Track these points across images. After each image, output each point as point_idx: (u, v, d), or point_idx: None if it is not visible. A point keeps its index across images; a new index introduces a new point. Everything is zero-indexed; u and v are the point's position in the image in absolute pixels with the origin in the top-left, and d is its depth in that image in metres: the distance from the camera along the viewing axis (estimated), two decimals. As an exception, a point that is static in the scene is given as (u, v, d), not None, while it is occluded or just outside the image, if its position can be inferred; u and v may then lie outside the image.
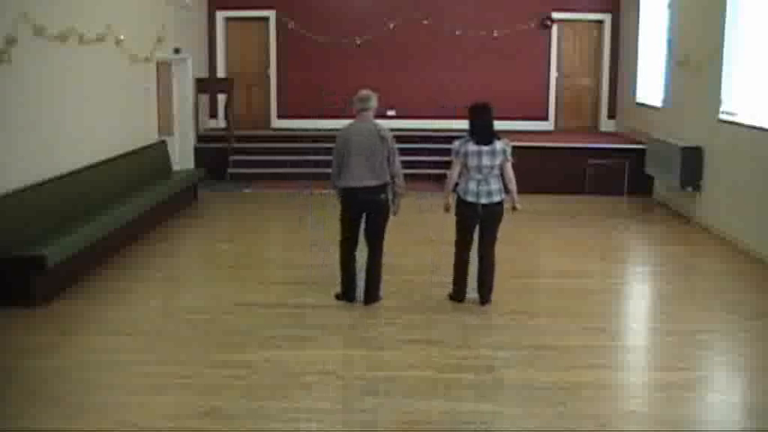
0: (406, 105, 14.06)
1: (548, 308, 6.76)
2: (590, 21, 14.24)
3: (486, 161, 6.37)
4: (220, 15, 14.27)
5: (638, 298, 7.61)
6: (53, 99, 8.00)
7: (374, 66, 14.05)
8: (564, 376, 5.23)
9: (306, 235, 9.18)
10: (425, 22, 14.05)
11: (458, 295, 6.70)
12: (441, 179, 6.69)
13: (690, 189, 10.00)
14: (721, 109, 9.33)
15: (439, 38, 14.08)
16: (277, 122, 14.42)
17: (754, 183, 8.43)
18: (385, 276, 6.83)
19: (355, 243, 6.66)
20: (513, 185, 6.54)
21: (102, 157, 9.10)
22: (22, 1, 7.30)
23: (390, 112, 13.93)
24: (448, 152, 6.62)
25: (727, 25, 9.17)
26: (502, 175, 6.51)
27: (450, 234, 6.75)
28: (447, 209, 6.65)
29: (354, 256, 6.69)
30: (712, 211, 9.57)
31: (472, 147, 6.39)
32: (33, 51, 7.48)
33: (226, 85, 13.70)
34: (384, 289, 6.77)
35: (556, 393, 4.96)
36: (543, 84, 14.30)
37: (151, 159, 10.58)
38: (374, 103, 6.56)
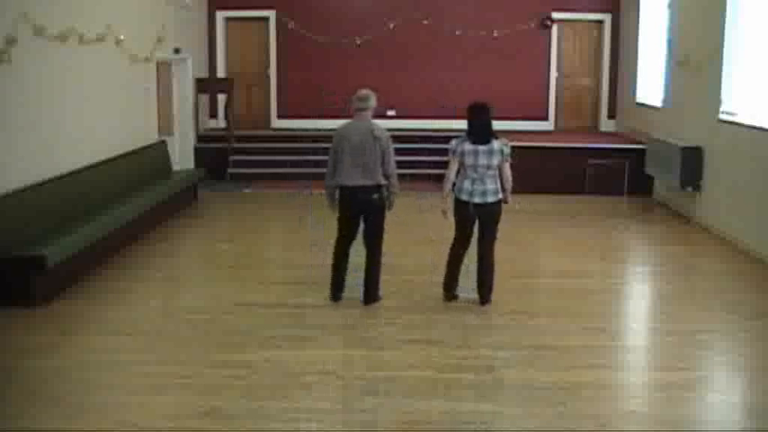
0: (406, 105, 14.07)
1: (548, 308, 6.76)
2: (590, 21, 14.24)
3: (482, 161, 6.37)
4: (220, 15, 14.27)
5: (638, 298, 7.62)
6: (53, 99, 8.00)
7: (374, 66, 14.05)
8: (564, 376, 5.23)
9: (306, 235, 9.18)
10: (425, 22, 14.05)
11: (445, 288, 6.69)
12: (441, 179, 6.68)
13: (690, 189, 10.00)
14: (721, 109, 9.33)
15: (439, 38, 14.08)
16: (277, 122, 14.42)
17: (754, 183, 8.43)
18: (385, 276, 6.83)
19: (348, 243, 6.66)
20: (508, 184, 6.54)
21: (102, 157, 9.10)
22: (22, 1, 7.30)
23: (390, 112, 13.94)
24: (448, 152, 6.62)
25: (727, 25, 9.17)
26: (500, 175, 6.51)
27: (451, 234, 6.74)
28: (445, 214, 6.64)
29: (346, 257, 6.70)
30: (712, 211, 9.57)
31: (469, 146, 6.39)
32: (33, 51, 7.48)
33: (226, 85, 13.70)
34: (384, 289, 6.77)
35: (556, 393, 4.96)
36: (543, 84, 14.30)
37: (151, 159, 10.58)
38: (373, 102, 6.57)
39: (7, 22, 7.03)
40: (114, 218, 8.12)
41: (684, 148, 9.95)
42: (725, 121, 9.23)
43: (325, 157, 6.76)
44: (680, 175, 9.97)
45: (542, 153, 12.11)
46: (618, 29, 14.01)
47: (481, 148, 6.38)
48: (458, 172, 6.54)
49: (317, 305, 6.65)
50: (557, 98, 14.39)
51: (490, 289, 6.64)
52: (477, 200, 6.43)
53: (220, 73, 14.33)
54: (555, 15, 14.09)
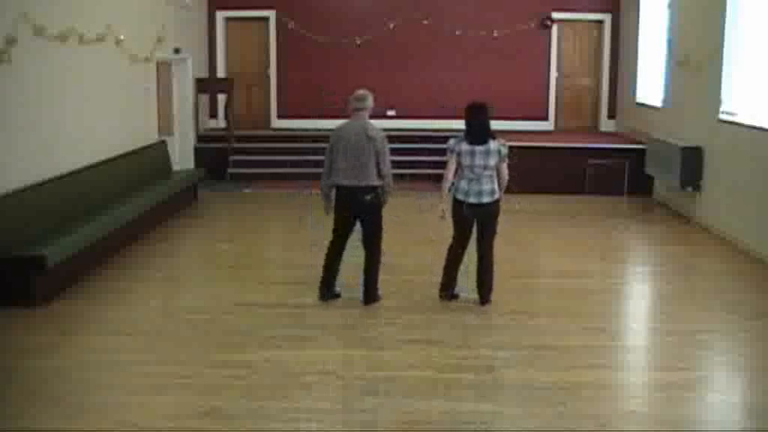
0: (406, 105, 14.08)
1: (548, 308, 6.76)
2: (590, 21, 14.24)
3: (478, 161, 6.37)
4: (220, 15, 14.27)
5: (638, 298, 7.62)
6: (53, 99, 8.00)
7: (374, 66, 14.05)
8: (564, 376, 5.23)
9: (306, 235, 9.18)
10: (425, 22, 14.05)
11: (443, 288, 6.70)
12: (441, 179, 6.68)
13: (690, 189, 10.00)
14: (721, 109, 9.33)
15: (439, 38, 14.08)
16: (277, 122, 14.42)
17: (754, 183, 8.43)
18: (385, 276, 6.83)
19: (342, 243, 6.67)
20: (504, 184, 6.55)
21: (102, 157, 9.10)
22: (22, 1, 7.30)
23: (390, 112, 13.95)
24: (446, 152, 6.60)
25: (727, 25, 9.17)
26: (497, 175, 6.51)
27: (451, 233, 6.74)
28: (442, 216, 6.63)
29: (339, 257, 6.70)
30: (712, 211, 9.57)
31: (466, 146, 6.39)
32: (33, 51, 7.48)
33: (226, 85, 13.70)
34: (384, 289, 6.77)
35: (556, 393, 4.96)
36: (543, 84, 14.30)
37: (151, 159, 10.58)
38: (370, 102, 6.58)
39: (7, 22, 7.03)
40: (114, 218, 8.12)
41: (684, 148, 9.95)
42: (725, 121, 9.23)
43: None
44: (680, 175, 9.97)
45: (542, 153, 12.11)
46: (618, 29, 14.00)
47: (478, 148, 6.38)
48: (456, 171, 6.54)
49: (316, 305, 6.65)
50: (557, 98, 14.39)
51: (490, 289, 6.64)
52: (472, 200, 6.43)
53: (220, 73, 14.33)
54: (555, 15, 14.09)
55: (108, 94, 9.46)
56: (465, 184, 6.44)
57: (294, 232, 9.72)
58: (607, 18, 14.14)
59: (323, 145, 6.66)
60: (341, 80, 13.54)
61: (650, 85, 12.27)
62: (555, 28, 14.15)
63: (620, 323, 6.68)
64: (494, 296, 6.66)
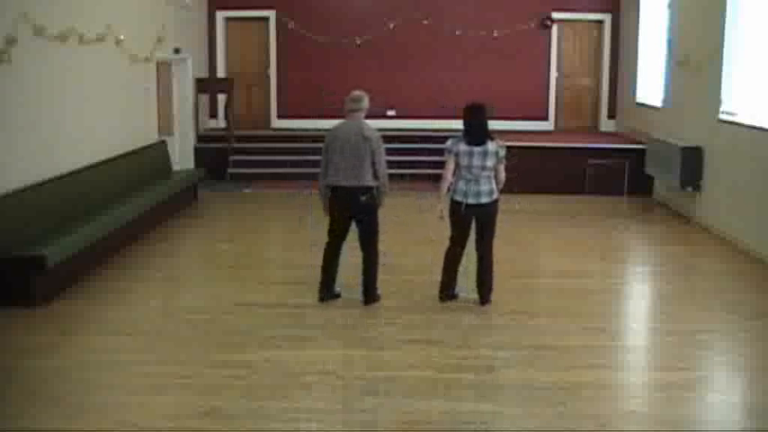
0: (406, 105, 14.08)
1: (548, 308, 6.76)
2: (590, 21, 14.24)
3: (476, 161, 6.37)
4: (220, 15, 14.27)
5: (638, 298, 7.62)
6: (53, 99, 8.00)
7: (374, 66, 14.06)
8: (564, 376, 5.23)
9: (306, 235, 9.17)
10: (425, 22, 14.05)
11: (442, 288, 6.70)
12: (440, 179, 6.67)
13: (690, 189, 10.00)
14: (721, 109, 9.33)
15: (439, 38, 14.08)
16: (277, 122, 14.42)
17: (754, 183, 8.43)
18: (385, 276, 6.83)
19: (338, 244, 6.67)
20: (500, 186, 6.55)
21: (102, 157, 9.10)
22: (22, 1, 7.30)
23: (390, 112, 13.96)
24: (444, 152, 6.60)
25: (727, 25, 9.17)
26: (495, 176, 6.51)
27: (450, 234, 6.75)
28: (441, 216, 6.63)
29: (336, 258, 6.70)
30: (712, 211, 9.57)
31: (464, 146, 6.39)
32: (33, 51, 7.48)
33: (226, 85, 13.70)
34: (384, 289, 6.77)
35: (556, 393, 4.96)
36: (543, 84, 14.30)
37: (151, 159, 10.58)
38: (365, 103, 6.59)
39: (7, 22, 7.03)
40: (114, 218, 8.12)
41: (684, 148, 9.95)
42: (725, 121, 9.23)
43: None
44: (680, 175, 9.97)
45: (542, 153, 12.11)
46: (618, 29, 14.00)
47: (476, 149, 6.38)
48: (453, 172, 6.54)
49: (316, 305, 6.65)
50: (557, 98, 14.39)
51: (490, 289, 6.64)
52: (470, 200, 6.44)
53: (220, 73, 14.33)
54: (555, 15, 14.09)
55: (108, 94, 9.46)
56: (463, 185, 6.44)
57: (294, 232, 9.72)
58: (607, 18, 14.15)
59: (323, 145, 6.66)
60: (341, 80, 13.53)
61: (650, 85, 12.27)
62: (555, 28, 14.15)
63: (620, 323, 6.68)
64: (494, 296, 6.66)
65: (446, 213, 6.60)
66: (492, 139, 6.45)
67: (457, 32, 14.04)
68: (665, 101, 11.36)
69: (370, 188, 6.50)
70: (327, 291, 6.72)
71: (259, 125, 14.31)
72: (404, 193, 11.40)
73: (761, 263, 8.06)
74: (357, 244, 6.69)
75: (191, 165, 12.68)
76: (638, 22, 12.76)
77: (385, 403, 4.81)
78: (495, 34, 14.05)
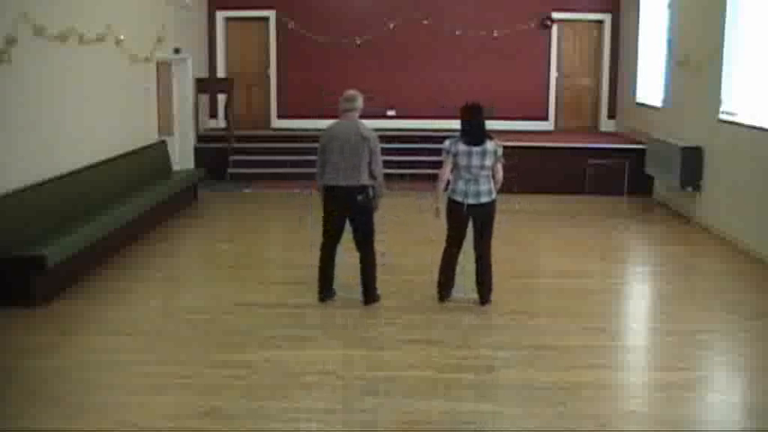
0: (406, 105, 14.08)
1: (548, 308, 6.76)
2: (590, 21, 14.24)
3: (475, 161, 6.37)
4: (220, 15, 14.27)
5: (638, 298, 7.62)
6: (53, 99, 8.00)
7: (374, 66, 14.06)
8: (564, 376, 5.23)
9: (306, 235, 9.15)
10: (425, 22, 14.05)
11: (440, 289, 6.70)
12: (437, 179, 6.67)
13: (690, 189, 10.00)
14: (721, 109, 9.33)
15: (439, 38, 14.08)
16: (277, 122, 14.42)
17: (754, 183, 8.43)
18: (385, 276, 6.83)
19: (334, 244, 6.67)
20: (498, 184, 6.56)
21: (102, 157, 9.10)
22: (22, 1, 7.30)
23: (390, 112, 13.96)
24: (441, 152, 6.59)
25: (727, 25, 9.17)
26: (492, 176, 6.51)
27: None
28: (437, 215, 6.64)
29: (333, 258, 6.70)
30: (712, 211, 9.57)
31: (462, 146, 6.39)
32: (33, 51, 7.48)
33: (226, 85, 13.70)
34: (384, 289, 6.77)
35: (556, 393, 4.96)
36: (543, 84, 14.29)
37: (151, 159, 10.58)
38: (360, 103, 6.59)
39: (7, 22, 7.03)
40: (114, 218, 8.12)
41: (684, 148, 9.95)
42: (725, 121, 9.23)
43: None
44: (680, 175, 9.97)
45: (542, 153, 12.10)
46: (618, 29, 14.00)
47: (475, 149, 6.38)
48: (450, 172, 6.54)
49: (316, 305, 6.65)
50: (557, 98, 14.38)
51: (490, 289, 6.65)
52: (471, 200, 6.44)
53: (220, 73, 14.33)
54: (555, 15, 14.09)
55: (108, 94, 9.46)
56: (462, 185, 6.44)
57: (294, 232, 9.72)
58: (607, 18, 14.14)
59: (318, 145, 6.66)
60: (341, 80, 13.47)
61: (650, 85, 12.26)
62: (555, 28, 14.15)
63: (620, 323, 6.68)
64: (494, 296, 6.66)
65: (443, 213, 6.60)
66: (490, 138, 6.46)
67: (457, 32, 14.04)
68: (665, 101, 11.36)
69: (365, 187, 6.51)
70: (326, 290, 6.72)
71: (259, 125, 14.31)
72: (404, 193, 11.40)
73: (761, 263, 8.06)
74: (353, 244, 6.68)
75: (191, 165, 12.68)
76: (638, 22, 12.75)
77: (385, 403, 4.81)
78: (495, 34, 14.05)
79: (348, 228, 6.64)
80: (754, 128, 8.48)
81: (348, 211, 6.55)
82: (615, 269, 8.22)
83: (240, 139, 13.40)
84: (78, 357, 5.55)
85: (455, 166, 6.45)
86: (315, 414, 4.68)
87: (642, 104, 12.58)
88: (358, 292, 6.69)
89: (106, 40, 9.19)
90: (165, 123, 11.94)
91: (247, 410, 4.71)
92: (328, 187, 6.54)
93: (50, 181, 7.68)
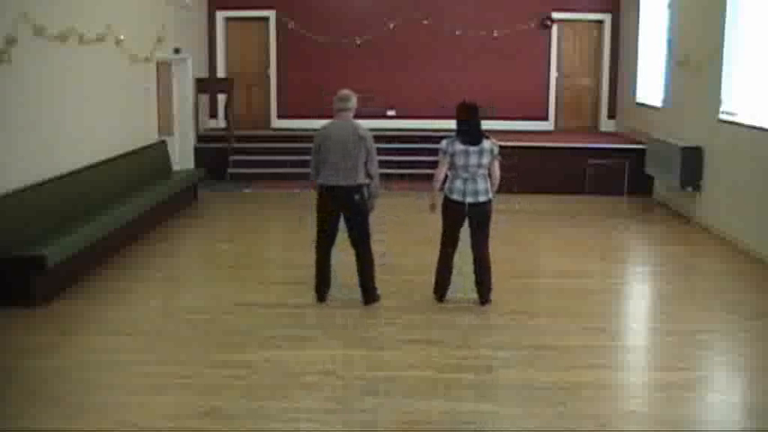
0: (406, 105, 14.08)
1: (548, 308, 6.77)
2: (590, 21, 14.24)
3: (473, 160, 6.38)
4: (220, 15, 14.27)
5: (638, 298, 7.62)
6: (53, 99, 8.00)
7: (374, 66, 14.06)
8: (564, 376, 5.23)
9: (306, 235, 9.12)
10: (425, 22, 14.05)
11: (437, 290, 6.70)
12: (432, 179, 6.68)
13: (690, 189, 10.00)
14: (721, 109, 9.33)
15: (439, 38, 14.08)
16: (277, 122, 14.41)
17: (754, 183, 8.43)
18: (385, 276, 6.83)
19: (329, 244, 6.68)
20: (496, 183, 6.57)
21: (102, 157, 9.10)
22: (22, 1, 7.30)
23: (390, 112, 13.95)
24: (438, 152, 6.59)
25: (727, 25, 9.17)
26: (489, 175, 6.52)
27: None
28: (433, 208, 6.66)
29: (329, 258, 6.71)
30: (712, 211, 9.57)
31: (460, 146, 6.40)
32: (33, 51, 7.48)
33: (226, 85, 13.70)
34: (384, 289, 6.77)
35: (556, 393, 4.96)
36: (543, 84, 14.29)
37: (151, 159, 10.58)
38: (354, 103, 6.59)
39: (7, 22, 7.03)
40: (114, 218, 8.12)
41: (684, 148, 9.95)
42: (725, 121, 9.23)
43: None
44: (680, 175, 9.97)
45: (542, 153, 12.10)
46: (618, 29, 14.00)
47: (472, 148, 6.38)
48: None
49: (316, 305, 6.65)
50: (557, 98, 14.38)
51: (489, 289, 6.64)
52: (469, 200, 6.44)
53: (220, 73, 14.33)
54: (555, 15, 14.09)
55: (108, 94, 9.46)
56: (461, 184, 6.45)
57: (294, 232, 9.71)
58: (607, 18, 14.14)
59: (313, 145, 6.67)
60: (341, 80, 13.40)
61: (650, 85, 12.26)
62: (555, 28, 14.14)
63: (620, 323, 6.68)
64: (494, 296, 6.66)
65: (439, 207, 6.60)
66: (487, 137, 6.46)
67: (457, 32, 14.04)
68: (665, 101, 11.36)
69: (362, 186, 6.51)
70: (325, 290, 6.72)
71: (259, 125, 14.31)
72: (403, 193, 11.40)
73: (761, 263, 8.06)
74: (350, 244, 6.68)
75: (191, 165, 12.68)
76: (638, 22, 12.75)
77: (385, 403, 4.81)
78: (495, 34, 14.05)
79: (342, 227, 6.64)
80: (754, 128, 8.48)
81: (345, 211, 6.56)
82: (615, 269, 8.22)
83: (240, 139, 13.40)
84: (78, 357, 5.55)
85: (452, 166, 6.45)
86: (315, 414, 4.68)
87: (642, 104, 12.58)
88: (358, 293, 6.69)
89: (106, 40, 9.19)
90: (165, 123, 11.93)
91: (247, 410, 4.71)
92: (327, 187, 6.53)
93: (50, 181, 7.68)
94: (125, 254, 8.26)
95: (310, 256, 7.45)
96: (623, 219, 10.61)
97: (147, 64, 10.72)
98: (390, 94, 13.94)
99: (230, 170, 13.02)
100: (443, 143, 6.49)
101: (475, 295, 6.66)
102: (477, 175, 6.42)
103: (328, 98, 13.95)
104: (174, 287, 7.47)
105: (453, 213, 6.53)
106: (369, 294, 6.65)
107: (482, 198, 6.46)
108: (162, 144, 11.17)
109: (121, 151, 9.70)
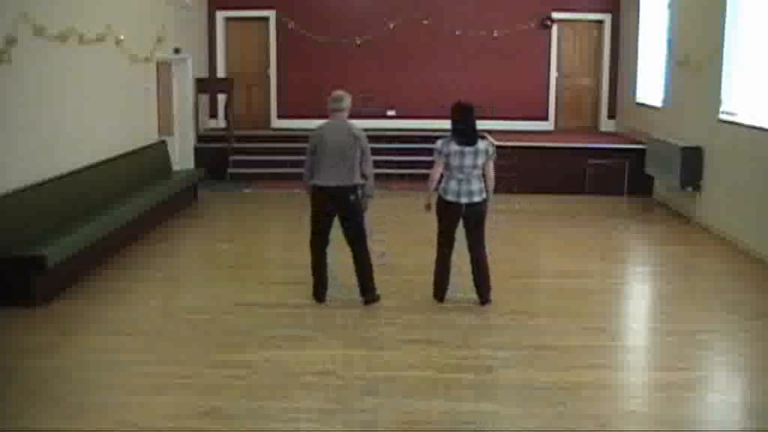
0: (406, 105, 14.08)
1: (548, 308, 6.77)
2: (590, 21, 14.24)
3: (468, 161, 6.38)
4: (220, 15, 14.27)
5: (638, 298, 7.62)
6: (53, 99, 8.00)
7: (374, 66, 14.06)
8: (564, 376, 5.23)
9: (306, 235, 9.14)
10: (425, 22, 14.05)
11: (437, 291, 6.70)
12: (428, 179, 6.68)
13: (690, 189, 10.00)
14: (721, 109, 9.33)
15: (439, 38, 14.08)
16: (277, 122, 14.41)
17: (754, 183, 8.43)
18: (385, 276, 6.83)
19: (324, 244, 6.68)
20: (491, 184, 6.56)
21: (102, 157, 9.10)
22: (22, 1, 7.30)
23: (390, 112, 13.95)
24: (433, 152, 6.59)
25: (727, 25, 9.17)
26: (484, 175, 6.52)
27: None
28: (428, 208, 6.67)
29: (324, 258, 6.71)
30: (712, 211, 9.57)
31: (455, 147, 6.40)
32: (33, 51, 7.48)
33: (226, 85, 13.70)
34: (384, 289, 6.77)
35: (556, 393, 4.96)
36: (543, 84, 14.29)
37: (151, 159, 10.58)
38: (348, 103, 6.62)
39: (7, 22, 7.03)
40: (114, 218, 8.12)
41: (684, 148, 9.95)
42: (725, 121, 9.23)
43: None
44: (680, 175, 9.97)
45: (542, 153, 12.09)
46: (618, 29, 14.00)
47: (468, 149, 6.38)
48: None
49: (316, 305, 6.65)
50: (557, 98, 14.38)
51: (489, 289, 6.64)
52: (464, 200, 6.44)
53: (220, 73, 14.33)
54: (555, 15, 14.09)
55: (108, 94, 9.46)
56: (455, 185, 6.45)
57: (294, 232, 9.68)
58: (607, 18, 14.14)
59: (308, 146, 6.67)
60: (341, 80, 13.45)
61: (650, 85, 12.26)
62: (555, 28, 14.14)
63: (620, 323, 6.68)
64: (494, 296, 6.66)
65: (434, 206, 6.60)
66: (482, 137, 6.46)
67: (457, 32, 14.04)
68: (665, 101, 11.36)
69: (357, 187, 6.52)
70: (323, 291, 6.71)
71: (259, 125, 14.31)
72: (403, 193, 11.40)
73: (761, 263, 8.06)
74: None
75: (191, 165, 12.68)
76: (638, 22, 12.75)
77: (385, 403, 4.82)
78: (495, 34, 14.05)
79: (336, 225, 6.63)
80: (754, 128, 8.48)
81: (341, 211, 6.56)
82: (615, 269, 8.22)
83: (240, 139, 13.40)
84: (78, 357, 5.55)
85: (446, 166, 6.45)
86: (315, 414, 4.68)
87: (642, 104, 12.58)
88: (357, 293, 6.68)
89: (106, 40, 9.19)
90: (165, 123, 11.93)
91: (247, 410, 4.71)
92: (323, 187, 6.53)
93: (50, 181, 7.68)
94: (125, 254, 8.27)
95: (310, 257, 7.46)
96: (623, 219, 10.61)
97: (147, 64, 10.72)
98: (390, 94, 13.94)
99: (230, 170, 13.02)
100: (438, 143, 6.49)
101: (475, 295, 6.66)
102: (471, 175, 6.42)
103: (328, 98, 13.98)
104: (174, 287, 7.47)
105: (448, 214, 6.53)
106: (367, 293, 6.65)
107: (476, 198, 6.47)
108: (162, 144, 11.17)
109: (121, 151, 9.70)
